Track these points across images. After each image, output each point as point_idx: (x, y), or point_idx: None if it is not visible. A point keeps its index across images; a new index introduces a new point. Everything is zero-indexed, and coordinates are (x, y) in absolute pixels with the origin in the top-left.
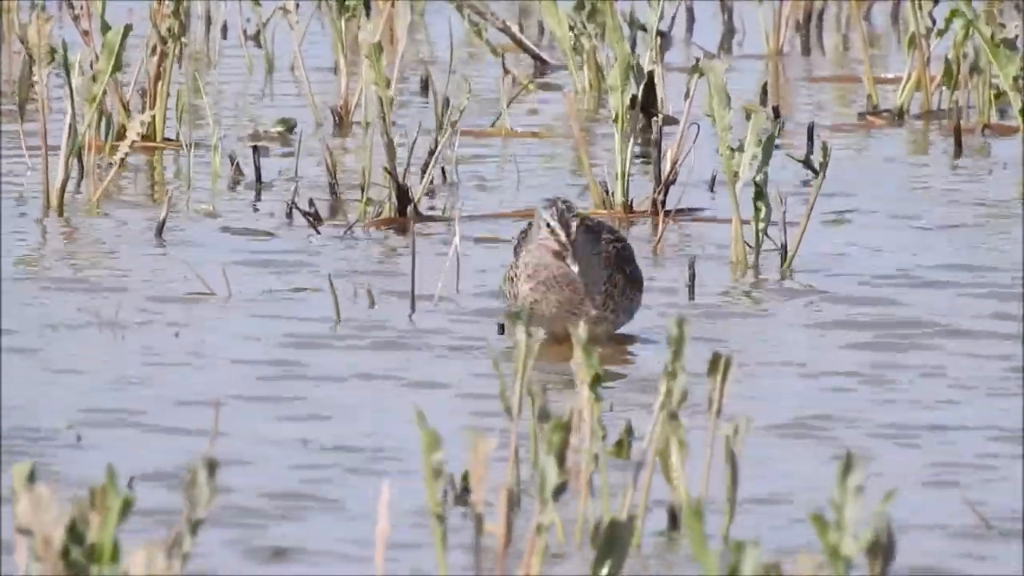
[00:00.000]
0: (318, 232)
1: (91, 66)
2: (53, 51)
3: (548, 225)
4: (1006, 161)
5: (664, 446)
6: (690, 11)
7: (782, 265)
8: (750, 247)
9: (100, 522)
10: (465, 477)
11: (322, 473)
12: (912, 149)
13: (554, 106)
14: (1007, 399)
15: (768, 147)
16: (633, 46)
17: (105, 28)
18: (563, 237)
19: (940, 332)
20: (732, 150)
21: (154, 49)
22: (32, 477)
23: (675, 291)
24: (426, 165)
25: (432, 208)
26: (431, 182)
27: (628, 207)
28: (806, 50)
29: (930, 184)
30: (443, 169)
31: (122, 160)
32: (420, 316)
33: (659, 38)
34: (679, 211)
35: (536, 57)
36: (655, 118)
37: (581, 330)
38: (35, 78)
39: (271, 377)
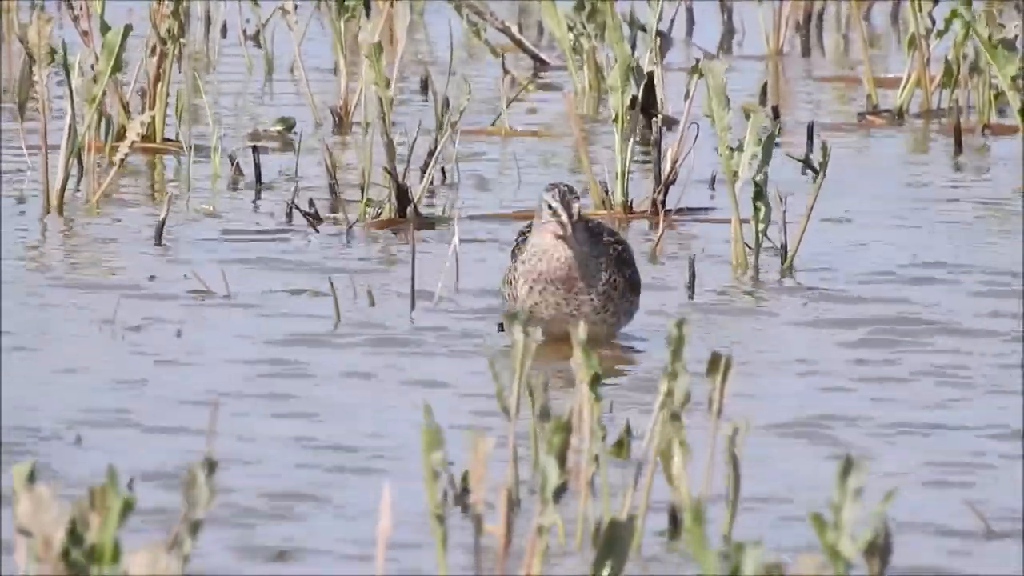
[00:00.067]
0: (318, 232)
1: (91, 67)
2: (53, 51)
3: (550, 207)
4: (1005, 160)
5: (666, 447)
6: (690, 11)
7: (782, 265)
8: (750, 247)
9: (100, 523)
10: (465, 477)
11: (322, 473)
12: (912, 149)
13: (554, 106)
14: (1007, 398)
15: (768, 147)
16: (633, 46)
17: (105, 29)
18: (564, 218)
19: (940, 331)
20: (732, 150)
21: (154, 49)
22: (32, 477)
23: (675, 291)
24: (426, 165)
25: (432, 208)
26: (431, 182)
27: (628, 207)
28: (806, 50)
29: (930, 184)
30: (443, 169)
31: (122, 160)
32: (420, 316)
33: (659, 38)
34: (679, 211)
35: (536, 57)
36: (655, 118)
37: (581, 330)
38: (35, 78)
39: (271, 377)
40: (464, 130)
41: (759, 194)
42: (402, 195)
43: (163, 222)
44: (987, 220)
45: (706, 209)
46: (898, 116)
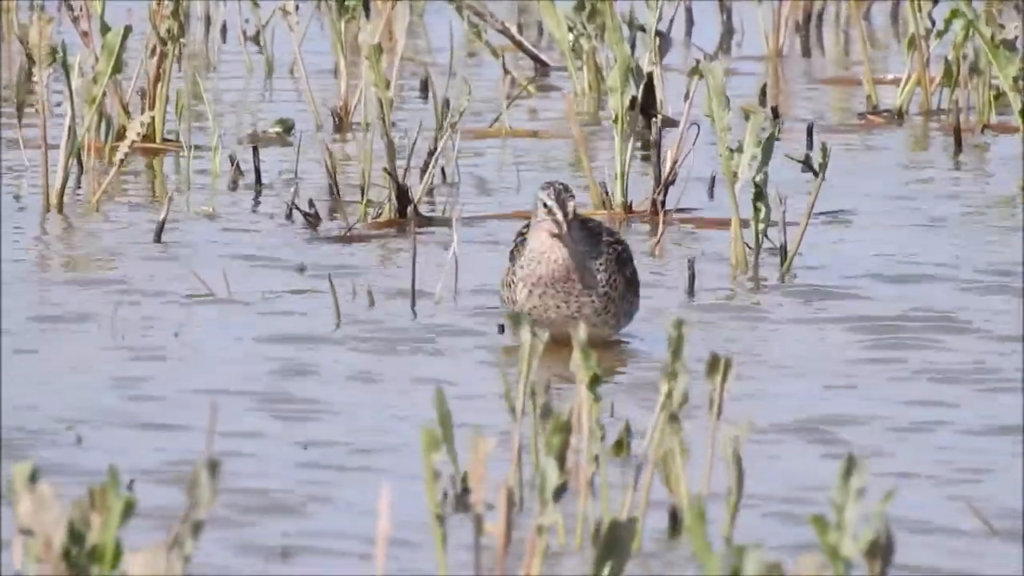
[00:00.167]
0: (318, 233)
1: (91, 67)
2: (54, 52)
3: (545, 205)
4: (1005, 160)
5: (665, 447)
6: (689, 12)
7: (782, 265)
8: (750, 247)
9: (101, 523)
10: (465, 477)
11: (322, 472)
12: (912, 149)
13: (554, 107)
14: (1007, 397)
15: (768, 148)
16: (632, 47)
17: (105, 29)
18: (559, 216)
19: (940, 331)
20: (731, 151)
21: (153, 50)
22: (34, 477)
23: (675, 291)
24: (426, 166)
25: (432, 209)
26: (431, 183)
27: (627, 208)
28: (806, 51)
29: (930, 184)
30: (443, 170)
31: (122, 161)
32: (420, 316)
33: (658, 39)
34: (678, 211)
35: (536, 58)
36: (654, 119)
37: (581, 331)
38: (35, 79)
39: (271, 377)
40: (464, 130)
41: (759, 195)
42: (402, 195)
43: (163, 222)
44: (987, 220)
45: (706, 210)
46: (898, 116)
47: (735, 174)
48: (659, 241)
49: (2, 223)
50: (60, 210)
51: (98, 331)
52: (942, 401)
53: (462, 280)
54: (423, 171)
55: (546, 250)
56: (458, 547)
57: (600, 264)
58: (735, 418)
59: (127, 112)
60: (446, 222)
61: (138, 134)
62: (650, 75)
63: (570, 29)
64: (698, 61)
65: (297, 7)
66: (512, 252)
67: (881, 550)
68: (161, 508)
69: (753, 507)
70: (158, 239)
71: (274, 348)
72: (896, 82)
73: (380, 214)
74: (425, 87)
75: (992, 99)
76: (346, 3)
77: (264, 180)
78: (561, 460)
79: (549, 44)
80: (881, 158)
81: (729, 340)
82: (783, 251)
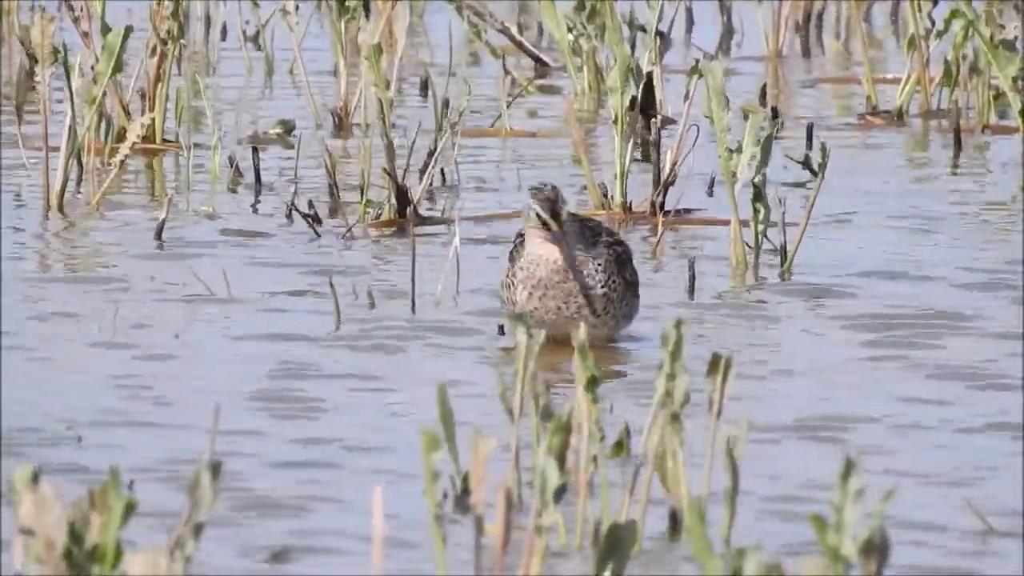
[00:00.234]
0: (317, 234)
1: (91, 68)
2: (56, 52)
3: (538, 216)
4: (1005, 161)
5: (664, 448)
6: (689, 12)
7: (781, 266)
8: (749, 248)
9: (102, 524)
10: (465, 478)
11: (322, 472)
12: (912, 149)
13: (554, 107)
14: (1007, 396)
15: (767, 148)
16: (632, 47)
17: (105, 30)
18: (553, 226)
19: (939, 331)
20: (731, 151)
21: (154, 51)
22: (35, 478)
23: (675, 292)
24: (426, 166)
25: (432, 209)
26: (431, 183)
27: (627, 208)
28: (805, 51)
29: (929, 184)
30: (442, 170)
31: (122, 162)
32: (420, 316)
33: (658, 39)
34: (678, 212)
35: (536, 59)
36: (654, 119)
37: (581, 332)
38: (37, 79)
39: (271, 377)
40: (464, 131)
41: (758, 195)
42: (402, 196)
43: (163, 223)
44: (987, 220)
45: (705, 210)
46: (898, 117)
47: (734, 174)
48: (659, 242)
49: (2, 223)
50: (60, 210)
51: (98, 331)
52: (942, 400)
53: (462, 280)
54: (423, 171)
55: (543, 252)
56: (458, 547)
57: (599, 264)
58: (735, 418)
59: (127, 112)
60: (446, 222)
61: (138, 135)
62: (650, 75)
63: (570, 29)
64: (698, 61)
65: (297, 7)
66: (512, 253)
67: (876, 549)
68: (161, 508)
69: (753, 506)
70: (158, 240)
71: (274, 348)
72: (896, 82)
73: (380, 214)
74: (425, 87)
75: (992, 99)
76: (346, 3)
77: (264, 180)
78: (561, 461)
79: (549, 44)
80: (881, 158)
81: (729, 341)
82: (783, 251)
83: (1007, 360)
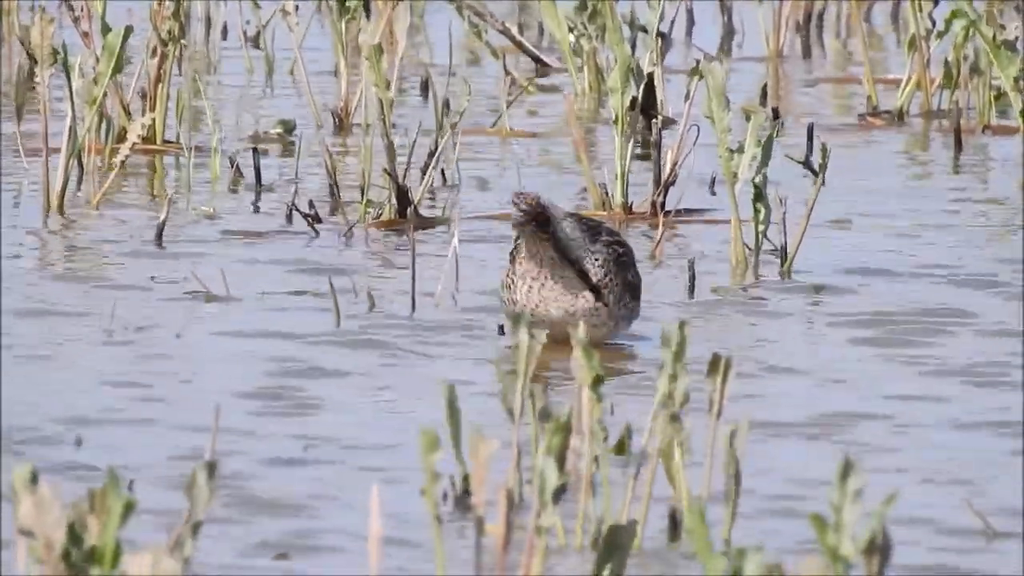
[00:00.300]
0: (318, 234)
1: (92, 68)
2: (56, 52)
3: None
4: (1006, 161)
5: (665, 449)
6: (690, 12)
7: (782, 266)
8: (750, 248)
9: (101, 524)
10: (466, 479)
11: (322, 473)
12: (912, 150)
13: (554, 107)
14: (1006, 395)
15: (767, 148)
16: (633, 47)
17: (106, 30)
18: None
19: (940, 331)
20: (731, 151)
21: (154, 51)
22: (34, 478)
23: (675, 292)
24: (426, 166)
25: (432, 209)
26: (431, 183)
27: (627, 208)
28: (806, 51)
29: (930, 185)
30: (443, 170)
31: (122, 162)
32: (420, 316)
33: (659, 40)
34: (678, 212)
35: (536, 59)
36: (655, 120)
37: (581, 331)
38: (37, 79)
39: (271, 378)
40: (464, 131)
41: (759, 195)
42: (402, 196)
43: (163, 223)
44: (987, 220)
45: (706, 210)
46: (898, 117)
47: (735, 175)
48: (659, 241)
49: (2, 223)
50: (60, 211)
51: (98, 331)
52: (942, 398)
53: (462, 280)
54: (423, 171)
55: (539, 250)
56: (458, 547)
57: (597, 260)
58: (735, 417)
59: (128, 113)
60: (446, 223)
61: (139, 135)
62: (650, 75)
63: (571, 29)
64: (698, 61)
65: (297, 7)
66: (512, 253)
67: (879, 549)
68: (161, 508)
69: (753, 505)
70: (158, 240)
71: (274, 348)
72: (896, 82)
73: (380, 214)
74: (425, 87)
75: (993, 100)
76: (347, 3)
77: (264, 180)
78: (561, 461)
79: (549, 44)
80: (881, 158)
81: (729, 341)
82: (783, 251)
83: (1007, 359)
